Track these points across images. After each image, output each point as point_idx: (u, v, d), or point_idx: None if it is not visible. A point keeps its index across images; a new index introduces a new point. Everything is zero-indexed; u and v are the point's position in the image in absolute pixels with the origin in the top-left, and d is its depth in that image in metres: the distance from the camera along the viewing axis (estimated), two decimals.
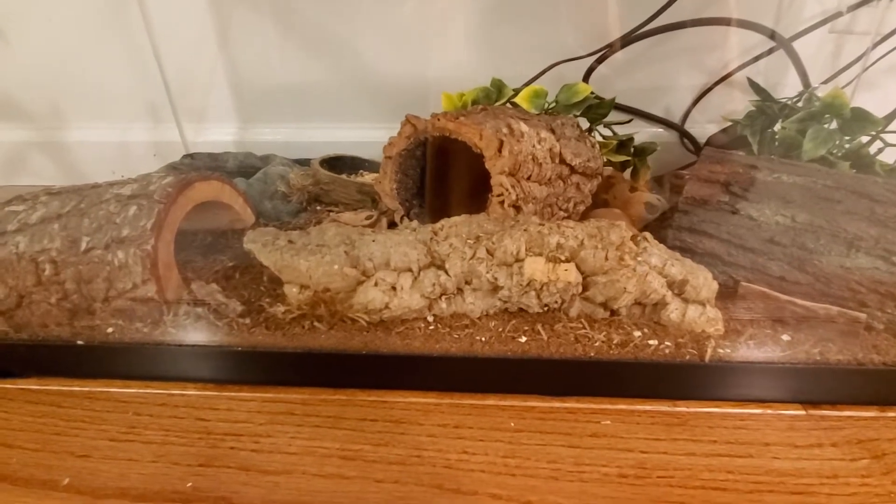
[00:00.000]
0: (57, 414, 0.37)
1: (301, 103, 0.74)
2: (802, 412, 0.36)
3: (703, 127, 0.70)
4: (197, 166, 0.64)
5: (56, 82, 0.74)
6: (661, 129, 0.70)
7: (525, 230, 0.36)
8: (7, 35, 0.71)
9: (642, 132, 0.69)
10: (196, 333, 0.37)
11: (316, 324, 0.36)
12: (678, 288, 0.36)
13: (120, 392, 0.38)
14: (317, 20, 0.68)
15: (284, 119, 0.75)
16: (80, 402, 0.38)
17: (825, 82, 0.62)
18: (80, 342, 0.38)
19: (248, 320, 0.37)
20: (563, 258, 0.35)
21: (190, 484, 0.31)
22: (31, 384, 0.40)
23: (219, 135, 0.76)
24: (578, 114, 0.56)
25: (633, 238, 0.36)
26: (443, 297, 0.36)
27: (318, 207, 0.56)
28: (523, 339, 0.36)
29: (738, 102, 0.65)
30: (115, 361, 0.38)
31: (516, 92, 0.55)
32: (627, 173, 0.61)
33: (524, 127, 0.42)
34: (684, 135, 0.69)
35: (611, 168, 0.59)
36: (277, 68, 0.71)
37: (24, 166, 0.79)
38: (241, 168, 0.65)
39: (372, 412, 0.36)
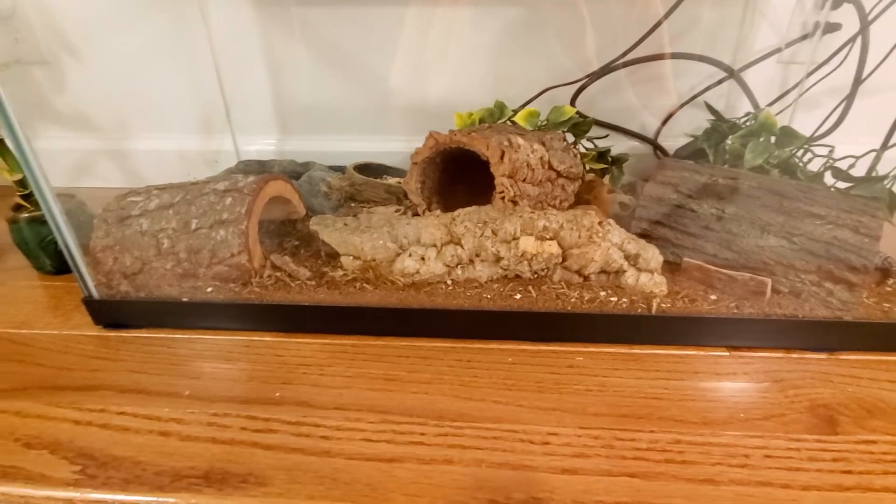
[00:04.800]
0: (168, 353, 0.49)
1: (333, 118, 0.87)
2: (727, 353, 0.48)
3: (675, 140, 0.83)
4: (249, 172, 0.77)
5: (125, 98, 0.87)
6: (637, 143, 0.83)
7: (520, 216, 0.48)
8: (83, 56, 0.85)
9: (622, 145, 0.82)
10: (274, 292, 0.49)
11: (365, 285, 0.49)
12: (633, 260, 0.48)
13: (213, 339, 0.51)
14: (349, 49, 0.81)
15: (318, 131, 0.88)
16: (185, 344, 0.50)
17: (770, 105, 0.75)
18: (185, 300, 0.50)
19: (313, 282, 0.50)
20: (548, 236, 0.48)
21: (278, 394, 0.44)
22: (143, 333, 0.52)
23: (261, 145, 0.89)
24: (566, 130, 0.68)
25: (600, 223, 0.48)
26: (459, 266, 0.49)
27: (353, 204, 0.69)
28: (518, 296, 0.48)
29: (700, 121, 0.78)
30: (211, 315, 0.51)
31: (515, 112, 0.68)
32: (607, 178, 0.74)
33: (520, 140, 0.55)
34: (657, 147, 0.82)
35: (592, 174, 0.71)
36: (315, 89, 0.84)
37: (93, 171, 0.92)
38: (285, 173, 0.78)
39: (405, 351, 0.48)
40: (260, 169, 0.78)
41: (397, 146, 0.83)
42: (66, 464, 0.38)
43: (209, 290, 0.50)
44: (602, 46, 0.77)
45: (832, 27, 0.71)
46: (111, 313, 0.52)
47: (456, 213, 0.50)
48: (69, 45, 0.84)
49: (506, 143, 0.53)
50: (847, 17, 0.68)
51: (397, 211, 0.60)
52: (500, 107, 0.70)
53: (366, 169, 0.77)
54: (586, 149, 0.71)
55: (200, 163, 0.88)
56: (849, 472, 0.36)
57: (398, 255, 0.49)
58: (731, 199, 0.52)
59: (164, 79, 0.85)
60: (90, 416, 0.42)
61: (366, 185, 0.69)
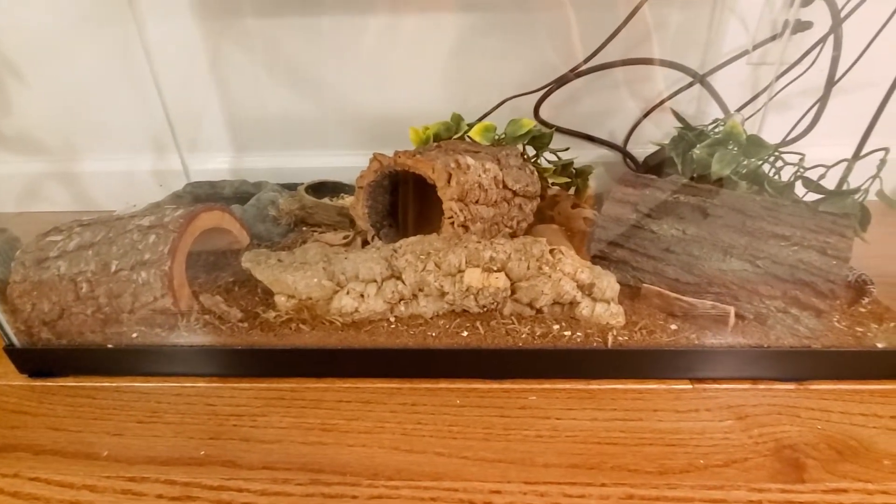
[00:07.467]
0: (92, 404, 0.46)
1: (289, 133, 0.83)
2: (689, 386, 0.45)
3: (645, 148, 0.79)
4: (198, 194, 0.73)
5: (69, 119, 0.83)
6: (606, 151, 0.80)
7: (465, 247, 0.45)
8: (26, 78, 0.80)
9: (590, 154, 0.79)
10: (204, 336, 0.46)
11: (301, 326, 0.45)
12: (587, 290, 0.45)
13: (142, 386, 0.47)
14: (302, 60, 0.78)
15: (274, 148, 0.84)
16: (111, 394, 0.47)
17: (740, 109, 0.72)
18: (109, 346, 0.47)
19: (246, 324, 0.46)
20: (495, 268, 0.44)
21: (203, 452, 0.40)
22: (69, 382, 0.48)
23: (216, 163, 0.85)
24: (526, 143, 0.65)
25: (552, 251, 0.45)
26: (401, 302, 0.45)
27: (304, 228, 0.65)
28: (465, 333, 0.45)
29: (670, 127, 0.75)
30: (138, 361, 0.47)
31: (470, 126, 0.64)
32: (573, 192, 0.70)
33: (470, 160, 0.52)
34: (626, 155, 0.79)
35: (557, 188, 0.68)
36: (268, 102, 0.81)
37: (41, 195, 0.88)
38: (236, 194, 0.74)
39: (346, 395, 0.45)
40: (210, 191, 0.74)
41: (355, 161, 0.79)
42: None
43: (134, 335, 0.46)
44: (566, 52, 0.73)
45: (803, 25, 0.67)
46: (34, 362, 0.49)
47: (398, 244, 0.47)
48: (12, 68, 0.80)
49: (453, 164, 0.50)
50: (819, 15, 0.65)
51: (346, 237, 0.56)
52: (457, 120, 0.66)
53: (321, 187, 0.74)
54: (549, 161, 0.68)
55: (152, 184, 0.84)
56: None
57: (336, 292, 0.45)
58: (692, 218, 0.48)
59: (110, 98, 0.81)
60: (2, 482, 0.39)
61: (317, 207, 0.65)
